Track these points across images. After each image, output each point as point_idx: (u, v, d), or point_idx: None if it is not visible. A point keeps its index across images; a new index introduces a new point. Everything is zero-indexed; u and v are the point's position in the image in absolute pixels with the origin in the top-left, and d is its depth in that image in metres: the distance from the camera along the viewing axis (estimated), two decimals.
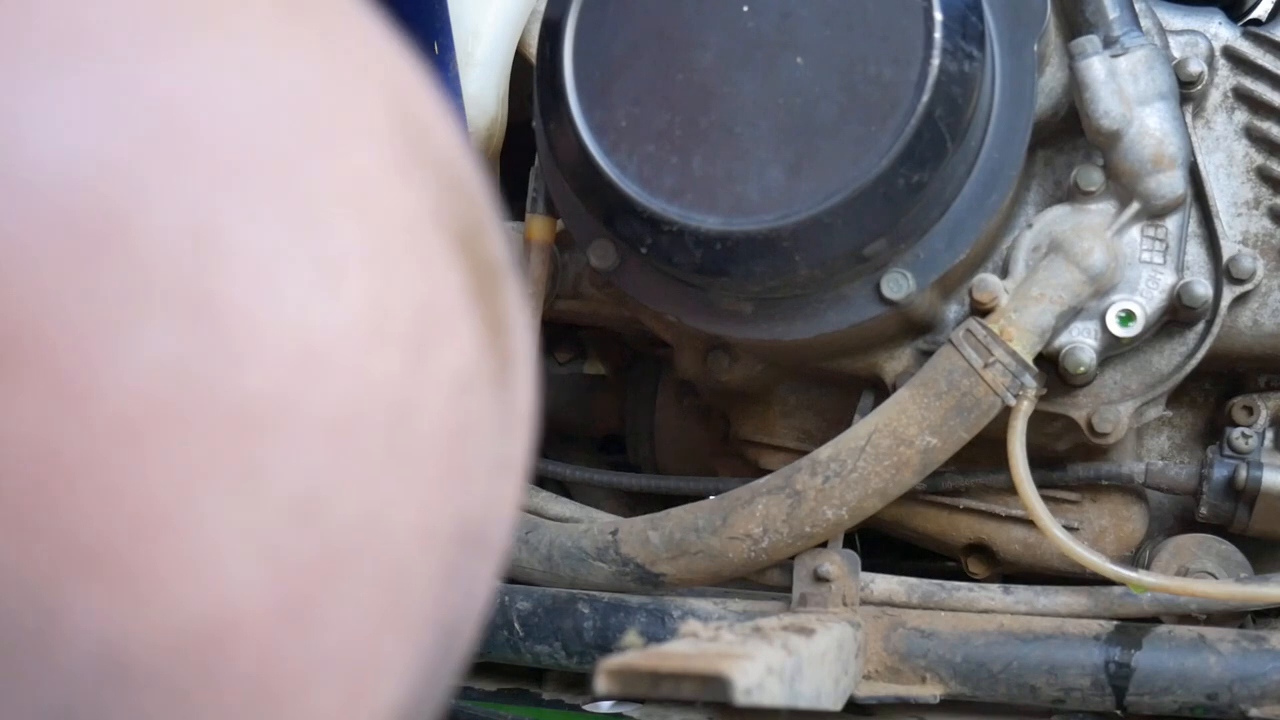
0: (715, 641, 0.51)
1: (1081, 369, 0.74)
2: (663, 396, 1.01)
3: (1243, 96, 0.80)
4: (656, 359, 1.01)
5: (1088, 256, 0.74)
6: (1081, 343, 0.75)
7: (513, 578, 0.85)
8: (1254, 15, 0.88)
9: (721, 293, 0.76)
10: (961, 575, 0.85)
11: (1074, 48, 0.75)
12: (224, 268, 0.23)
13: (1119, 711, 0.75)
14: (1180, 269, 0.76)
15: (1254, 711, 0.73)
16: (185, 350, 0.22)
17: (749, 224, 0.69)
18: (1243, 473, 0.78)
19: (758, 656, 0.47)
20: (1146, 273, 0.76)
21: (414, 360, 0.26)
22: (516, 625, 0.81)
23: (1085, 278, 0.74)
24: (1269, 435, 0.81)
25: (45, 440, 0.21)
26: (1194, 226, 0.78)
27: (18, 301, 0.21)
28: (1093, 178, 0.76)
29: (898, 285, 0.74)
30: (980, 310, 0.75)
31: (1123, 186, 0.75)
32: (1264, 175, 0.79)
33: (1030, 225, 0.77)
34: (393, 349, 0.25)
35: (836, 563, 0.78)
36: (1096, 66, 0.74)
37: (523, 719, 0.83)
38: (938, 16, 0.68)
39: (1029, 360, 0.74)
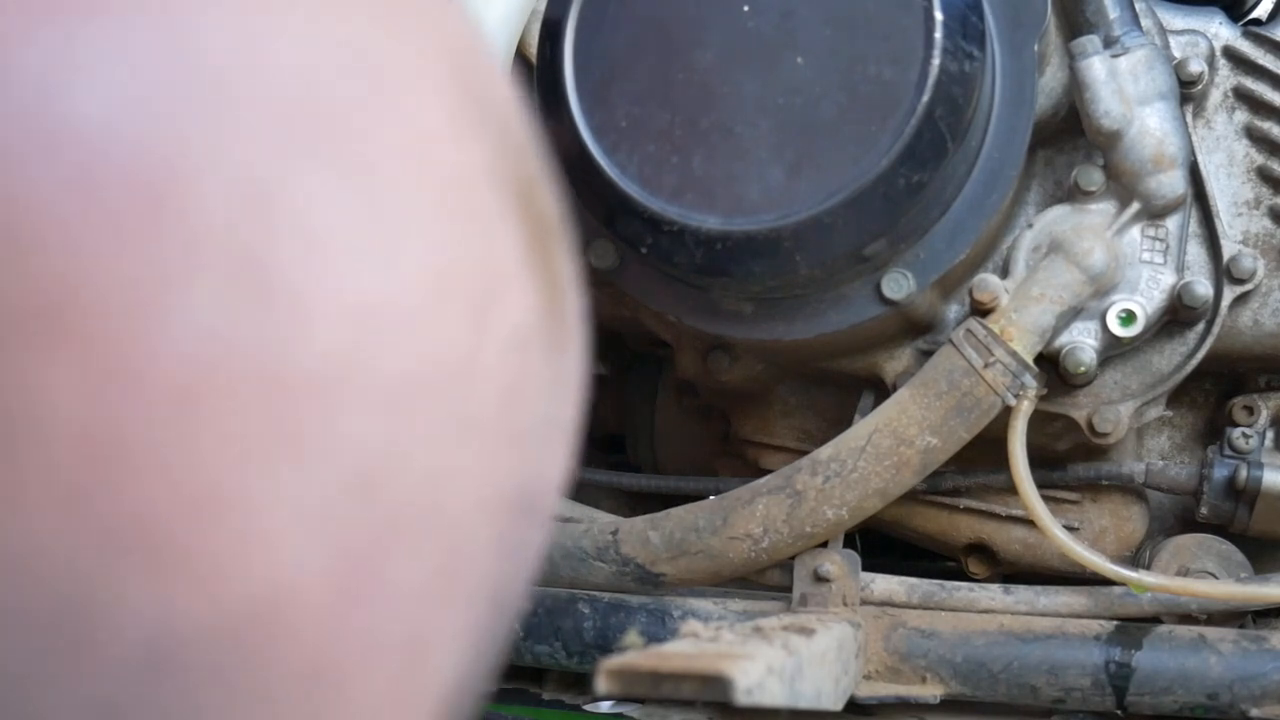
0: (715, 641, 0.51)
1: (1082, 369, 0.74)
2: (663, 396, 1.01)
3: (1243, 96, 0.80)
4: (656, 359, 1.01)
5: (1088, 256, 0.74)
6: (1082, 343, 0.75)
7: None
8: (1254, 15, 0.88)
9: (722, 293, 0.76)
10: (962, 575, 0.85)
11: (1074, 47, 0.75)
12: (278, 230, 0.22)
13: (1119, 711, 0.75)
14: (1181, 269, 0.76)
15: (1255, 712, 0.73)
16: (239, 317, 0.21)
17: (749, 224, 0.69)
18: (1243, 473, 0.78)
19: (758, 656, 0.47)
20: (1147, 273, 0.76)
21: (475, 322, 0.25)
22: (516, 625, 0.81)
23: (1085, 278, 0.74)
24: (1269, 435, 0.81)
25: (90, 415, 0.20)
26: (1194, 226, 0.78)
27: (58, 268, 0.20)
28: (1093, 178, 0.76)
29: (898, 285, 0.74)
30: (980, 310, 0.75)
31: (1123, 186, 0.75)
32: (1264, 175, 0.79)
33: (1030, 225, 0.77)
34: (453, 311, 0.24)
35: (837, 563, 0.78)
36: (1097, 66, 0.74)
37: (523, 719, 0.83)
38: (938, 16, 0.68)
39: (1029, 360, 0.74)
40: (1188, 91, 0.77)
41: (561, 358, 0.28)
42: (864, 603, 0.79)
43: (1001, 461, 0.75)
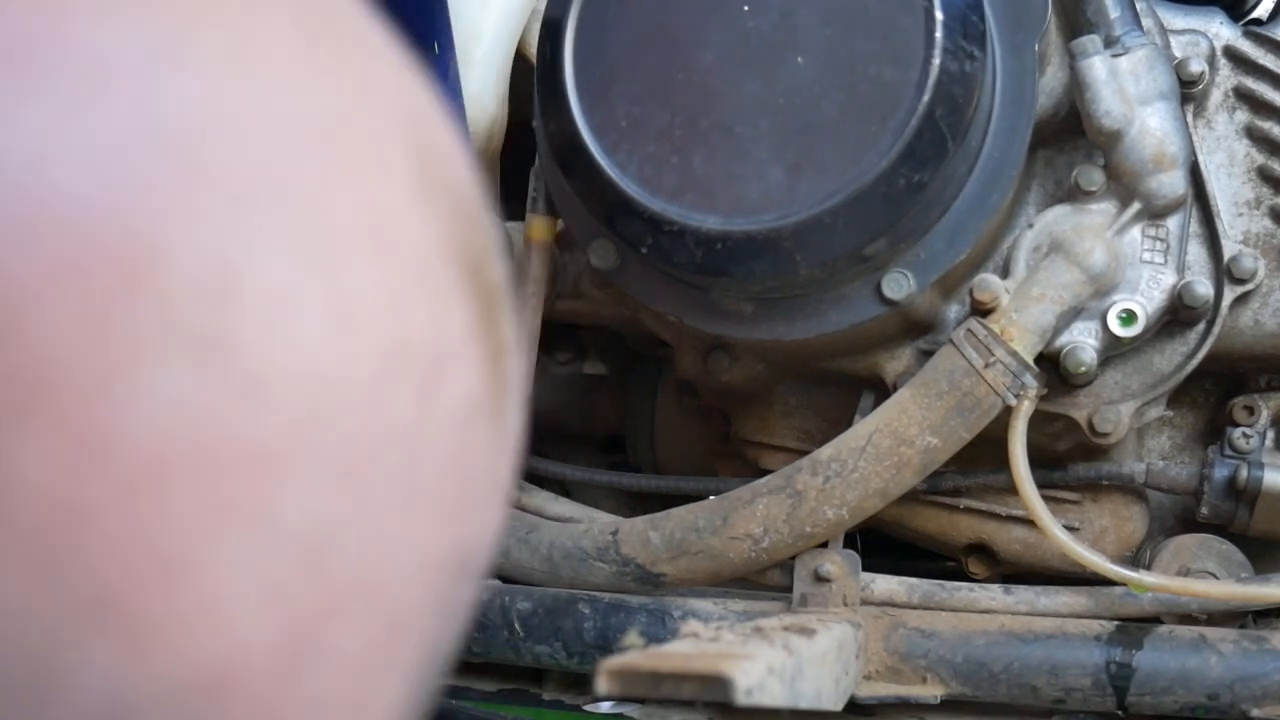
0: (716, 642, 0.51)
1: (1082, 369, 0.74)
2: (663, 396, 1.01)
3: (1244, 96, 0.80)
4: (656, 359, 1.01)
5: (1088, 256, 0.74)
6: (1082, 343, 0.75)
7: (513, 578, 0.84)
8: (1255, 15, 0.88)
9: (722, 293, 0.76)
10: (962, 575, 0.85)
11: (1075, 47, 0.75)
12: (242, 307, 0.22)
13: (1120, 712, 0.75)
14: (1181, 269, 0.76)
15: (1255, 712, 0.73)
16: (200, 394, 0.22)
17: (749, 224, 0.69)
18: (1243, 473, 0.78)
19: (758, 657, 0.47)
20: (1147, 272, 0.76)
21: (423, 395, 0.25)
22: (517, 625, 0.81)
23: (1086, 278, 0.74)
24: (1270, 435, 0.81)
25: (54, 490, 0.21)
26: (1195, 226, 0.78)
27: (30, 348, 0.21)
28: (1094, 177, 0.76)
29: (898, 285, 0.74)
30: (981, 310, 0.75)
31: (1124, 186, 0.75)
32: (1265, 175, 0.79)
33: (1031, 225, 0.77)
34: (404, 386, 0.25)
35: (837, 563, 0.78)
36: (1097, 66, 0.74)
37: (523, 719, 0.83)
38: (939, 16, 0.68)
39: (1029, 360, 0.74)
40: (1188, 91, 0.77)
41: (503, 420, 0.29)
42: (864, 603, 0.79)
43: (1002, 461, 0.75)
